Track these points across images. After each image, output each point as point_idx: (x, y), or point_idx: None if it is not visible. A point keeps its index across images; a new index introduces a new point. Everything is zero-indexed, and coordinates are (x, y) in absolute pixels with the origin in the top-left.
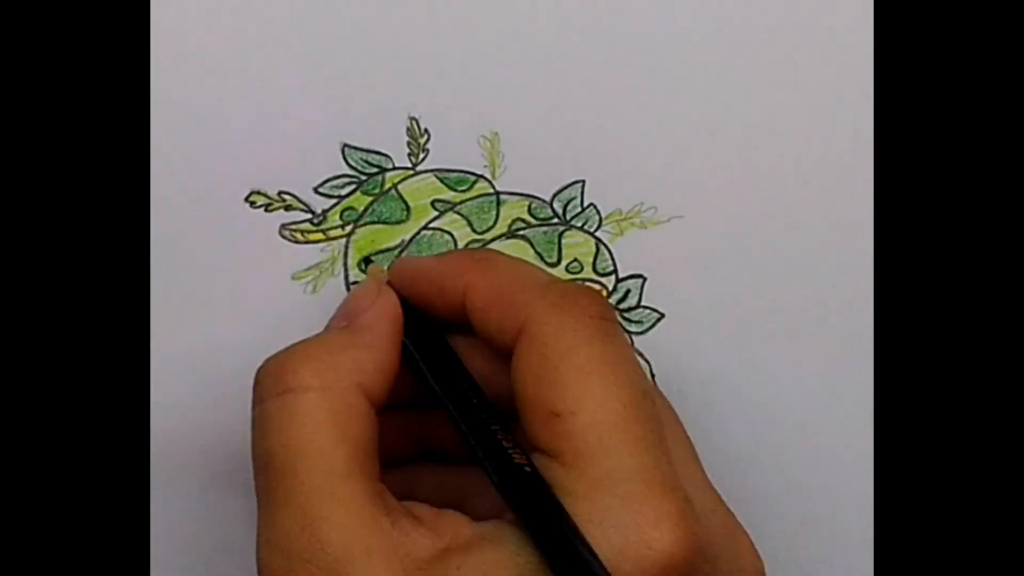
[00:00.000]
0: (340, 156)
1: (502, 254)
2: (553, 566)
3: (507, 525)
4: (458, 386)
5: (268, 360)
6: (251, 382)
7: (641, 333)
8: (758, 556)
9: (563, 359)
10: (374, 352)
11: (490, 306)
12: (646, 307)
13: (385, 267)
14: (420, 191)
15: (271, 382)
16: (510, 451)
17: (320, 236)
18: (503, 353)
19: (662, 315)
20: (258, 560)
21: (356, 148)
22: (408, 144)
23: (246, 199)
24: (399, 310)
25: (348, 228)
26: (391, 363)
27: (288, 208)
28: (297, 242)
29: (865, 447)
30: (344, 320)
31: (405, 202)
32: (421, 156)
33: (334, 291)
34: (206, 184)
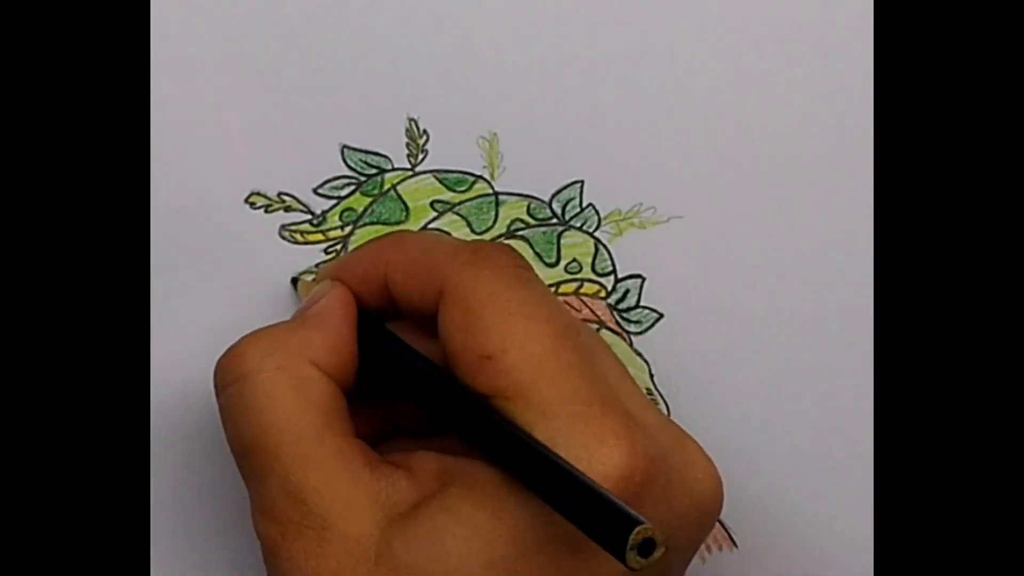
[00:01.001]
0: (339, 157)
1: (415, 232)
2: (533, 485)
3: (478, 460)
4: (406, 360)
5: (225, 352)
6: None
7: (640, 333)
8: (712, 463)
9: (484, 307)
10: (324, 331)
11: (408, 280)
12: (645, 307)
13: None
14: (419, 192)
15: (226, 371)
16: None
17: (320, 237)
18: (429, 324)
19: (661, 315)
20: (257, 533)
21: (355, 149)
22: (407, 145)
23: (246, 200)
24: (350, 297)
25: (348, 229)
26: (344, 343)
27: (288, 209)
28: (297, 243)
29: (865, 447)
30: (298, 312)
31: (404, 203)
32: (420, 157)
33: None
34: (206, 184)
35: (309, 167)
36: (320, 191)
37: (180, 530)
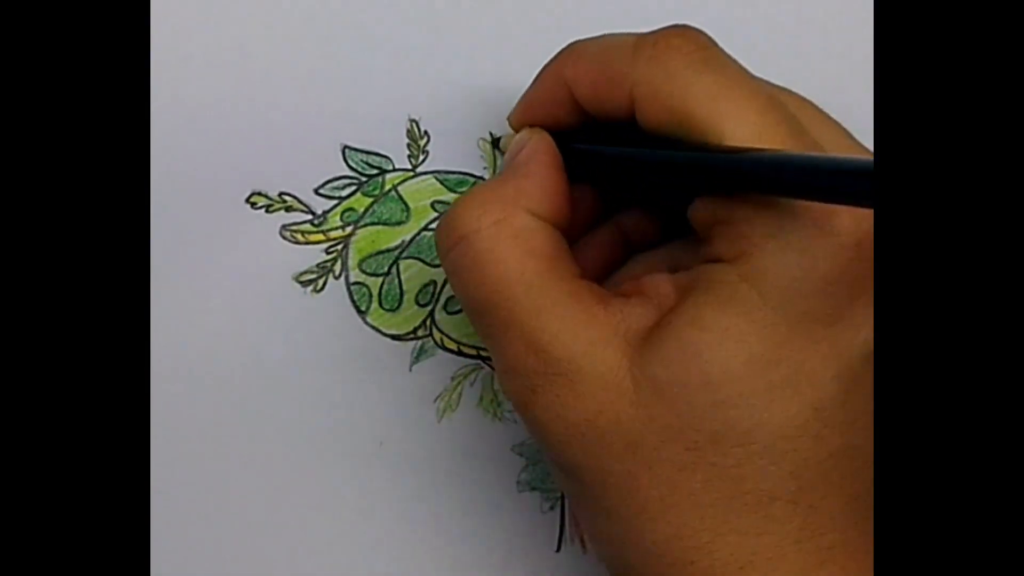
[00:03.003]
0: (340, 157)
1: (589, 40)
2: (771, 188)
3: (707, 265)
4: (616, 159)
5: (442, 217)
6: (251, 382)
7: None
8: None
9: (684, 101)
10: (534, 178)
11: (597, 92)
12: None
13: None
14: (420, 192)
15: (445, 235)
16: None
17: (320, 237)
18: (632, 128)
19: None
20: (503, 391)
21: (356, 149)
22: (408, 146)
23: (247, 200)
24: (554, 146)
25: (348, 229)
26: (555, 184)
27: (289, 209)
28: (297, 243)
29: None
30: (504, 164)
31: (405, 203)
32: (421, 158)
33: (335, 292)
34: (206, 185)
35: (310, 167)
36: (321, 191)
37: (180, 530)
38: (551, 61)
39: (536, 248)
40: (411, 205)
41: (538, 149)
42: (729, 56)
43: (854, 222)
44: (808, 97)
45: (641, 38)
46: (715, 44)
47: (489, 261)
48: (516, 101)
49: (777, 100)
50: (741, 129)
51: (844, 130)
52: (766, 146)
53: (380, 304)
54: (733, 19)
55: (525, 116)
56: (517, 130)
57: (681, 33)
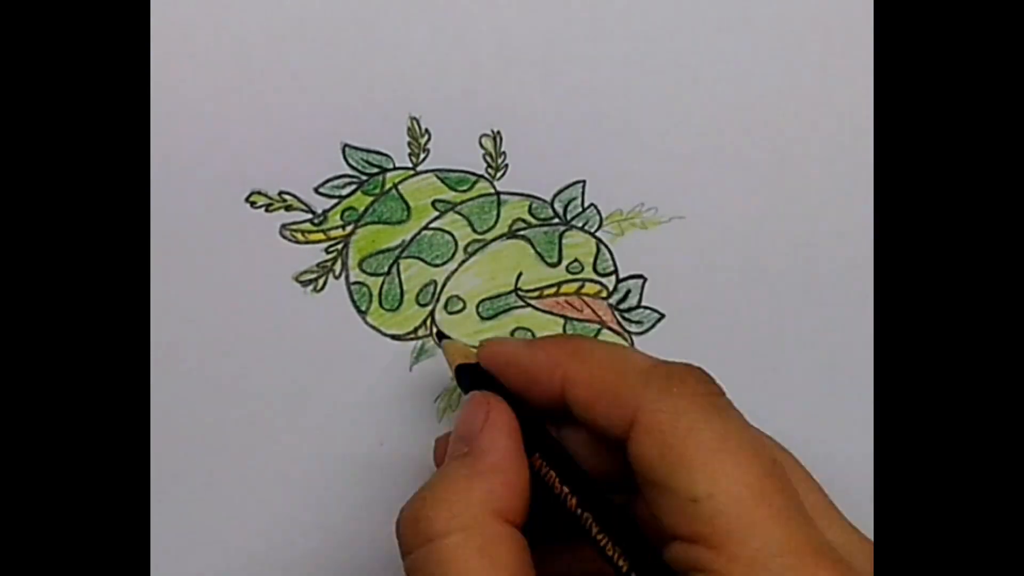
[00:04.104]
0: (341, 156)
1: (594, 341)
2: None
3: None
4: (586, 492)
5: (403, 510)
6: (251, 382)
7: (641, 333)
8: None
9: (686, 443)
10: (500, 474)
11: (595, 401)
12: (646, 307)
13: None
14: (421, 191)
15: (411, 533)
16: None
17: (321, 236)
18: (611, 443)
19: (662, 315)
20: None
21: (357, 148)
22: (409, 144)
23: (247, 199)
24: (514, 421)
25: (349, 228)
26: (520, 479)
27: (289, 208)
28: (298, 242)
29: (865, 447)
30: (463, 445)
31: (406, 202)
32: (422, 156)
33: (335, 291)
34: (206, 184)
35: (310, 166)
36: (321, 190)
37: (180, 530)
38: (552, 344)
39: (504, 561)
40: (412, 204)
41: (502, 432)
42: (732, 406)
43: None
44: (808, 97)
45: (655, 365)
46: (723, 392)
47: (454, 570)
48: (517, 99)
49: (778, 466)
50: (737, 488)
51: (827, 496)
52: (758, 513)
53: (380, 304)
54: (733, 19)
55: (504, 371)
56: (482, 361)
57: (694, 372)
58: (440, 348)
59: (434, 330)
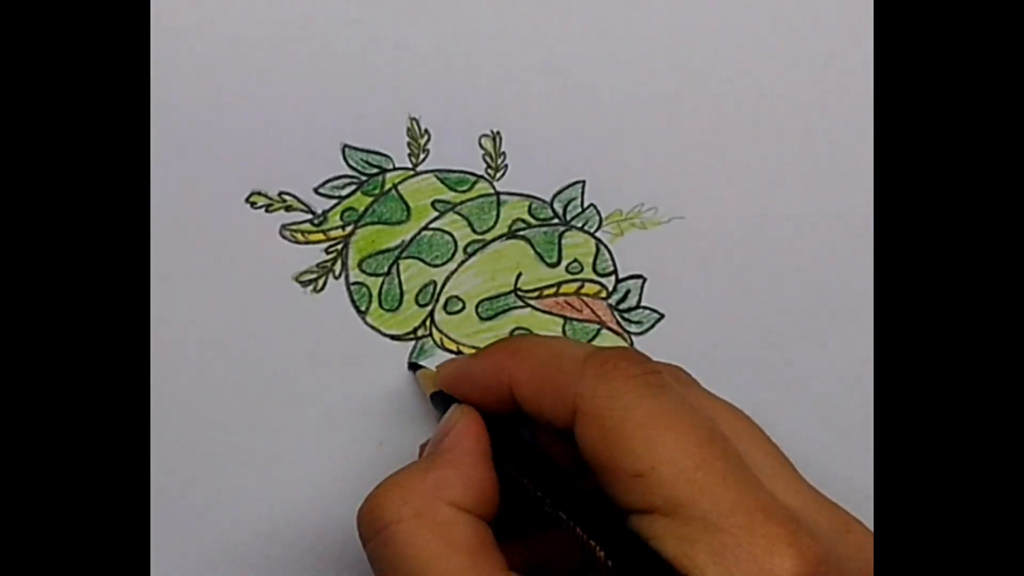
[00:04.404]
0: (340, 156)
1: (534, 338)
2: None
3: None
4: (558, 486)
5: (361, 504)
6: (251, 382)
7: (641, 333)
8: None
9: (624, 423)
10: (458, 468)
11: (538, 396)
12: (646, 307)
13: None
14: (420, 191)
15: (368, 522)
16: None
17: (320, 236)
18: (563, 432)
19: (662, 315)
20: None
21: (356, 148)
22: (408, 144)
23: (247, 200)
24: (480, 426)
25: (348, 228)
26: (480, 476)
27: (288, 208)
28: (297, 242)
29: (865, 447)
30: (430, 447)
31: (405, 202)
32: (421, 156)
33: (335, 291)
34: (206, 184)
35: (310, 166)
36: (321, 190)
37: (180, 530)
38: (495, 350)
39: (458, 541)
40: (411, 204)
41: (464, 435)
42: (670, 384)
43: (794, 564)
44: (808, 97)
45: (591, 354)
46: (658, 370)
47: (409, 555)
48: (516, 100)
49: (718, 433)
50: (679, 458)
51: (781, 456)
52: (702, 478)
53: (380, 304)
54: (733, 19)
55: (457, 384)
56: (440, 384)
57: (628, 355)
58: (415, 377)
59: (407, 361)
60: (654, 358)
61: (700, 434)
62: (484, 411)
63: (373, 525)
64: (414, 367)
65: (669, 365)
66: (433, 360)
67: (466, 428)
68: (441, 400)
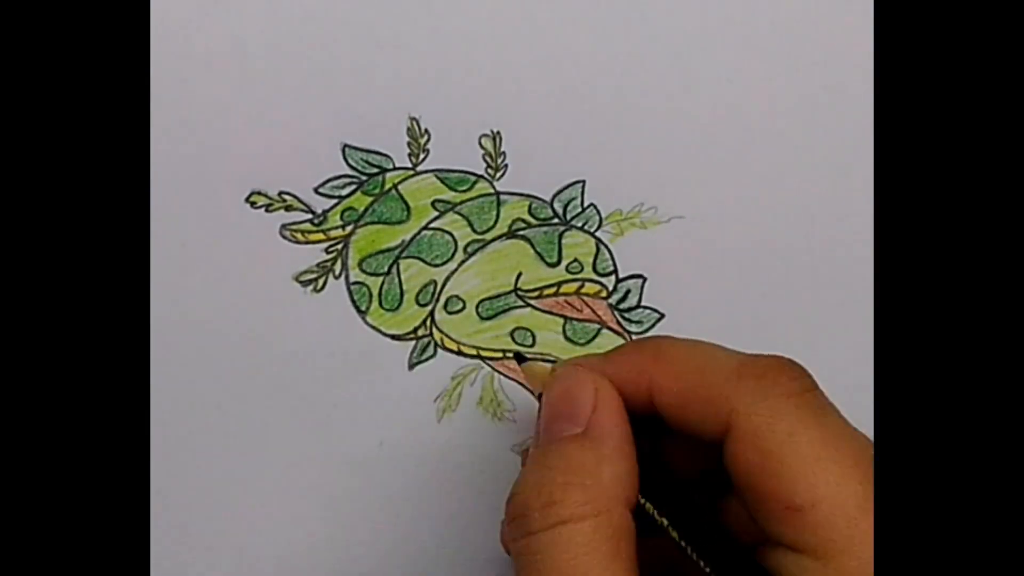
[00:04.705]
0: (340, 156)
1: (676, 341)
2: None
3: None
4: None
5: (524, 490)
6: (250, 382)
7: (641, 333)
8: None
9: (784, 448)
10: (625, 461)
11: (686, 406)
12: (646, 307)
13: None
14: (420, 191)
15: (541, 515)
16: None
17: (320, 236)
18: (705, 446)
19: (662, 315)
20: None
21: (356, 148)
22: (408, 144)
23: (247, 199)
24: (621, 402)
25: (348, 228)
26: (636, 466)
27: (288, 208)
28: (297, 242)
29: None
30: (571, 424)
31: (405, 202)
32: (421, 156)
33: (335, 291)
34: (206, 184)
35: (310, 166)
36: (321, 190)
37: (180, 530)
38: (632, 351)
39: (624, 552)
40: (411, 204)
41: (619, 416)
42: (829, 403)
43: None
44: (808, 97)
45: (745, 363)
46: (817, 385)
47: (582, 555)
48: (516, 100)
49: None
50: (842, 498)
51: None
52: (865, 523)
53: (380, 304)
54: (733, 19)
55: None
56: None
57: (787, 369)
58: (520, 369)
59: (514, 353)
60: None
61: (865, 471)
62: None
63: (547, 519)
64: (521, 358)
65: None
66: (435, 360)
67: (616, 405)
68: None
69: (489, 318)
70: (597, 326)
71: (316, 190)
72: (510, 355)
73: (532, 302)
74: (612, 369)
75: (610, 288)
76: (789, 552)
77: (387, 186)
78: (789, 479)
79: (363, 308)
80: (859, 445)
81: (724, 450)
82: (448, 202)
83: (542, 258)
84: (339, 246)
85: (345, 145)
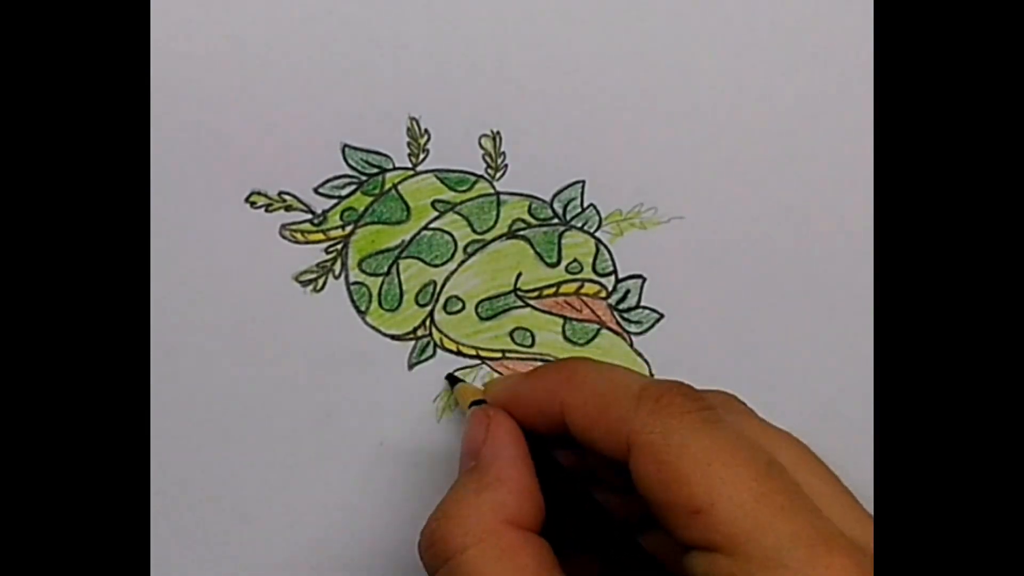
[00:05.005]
0: (340, 156)
1: (590, 363)
2: None
3: None
4: (590, 512)
5: (422, 532)
6: (250, 382)
7: (641, 333)
8: None
9: (680, 459)
10: (507, 483)
11: (591, 427)
12: (646, 307)
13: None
14: (420, 191)
15: (432, 555)
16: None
17: (320, 236)
18: (615, 463)
19: (662, 315)
20: None
21: (356, 148)
22: (408, 144)
23: (246, 199)
24: (515, 428)
25: (348, 228)
26: (527, 484)
27: (288, 208)
28: (297, 242)
29: (865, 447)
30: (469, 459)
31: (405, 202)
32: (421, 156)
33: (335, 291)
34: (206, 184)
35: (310, 166)
36: (321, 190)
37: (180, 530)
38: (548, 373)
39: (525, 563)
40: (411, 204)
41: (504, 442)
42: (724, 418)
43: None
44: (808, 97)
45: (644, 387)
46: (711, 406)
47: None
48: (516, 100)
49: (776, 465)
50: (737, 493)
51: (840, 484)
52: (761, 513)
53: (380, 304)
54: (733, 19)
55: (505, 401)
56: (489, 401)
57: (682, 390)
58: (452, 392)
59: (446, 374)
60: (654, 358)
61: (758, 467)
62: (533, 430)
63: (437, 557)
64: (453, 380)
65: (721, 393)
66: (434, 360)
67: (503, 433)
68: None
69: (489, 318)
70: (597, 326)
71: (316, 190)
72: (510, 355)
73: (532, 302)
74: (530, 388)
75: (610, 288)
76: (701, 553)
77: (387, 186)
78: (687, 485)
79: (363, 308)
80: (752, 449)
81: (630, 469)
82: (448, 202)
83: (542, 258)
84: (339, 246)
85: (345, 145)
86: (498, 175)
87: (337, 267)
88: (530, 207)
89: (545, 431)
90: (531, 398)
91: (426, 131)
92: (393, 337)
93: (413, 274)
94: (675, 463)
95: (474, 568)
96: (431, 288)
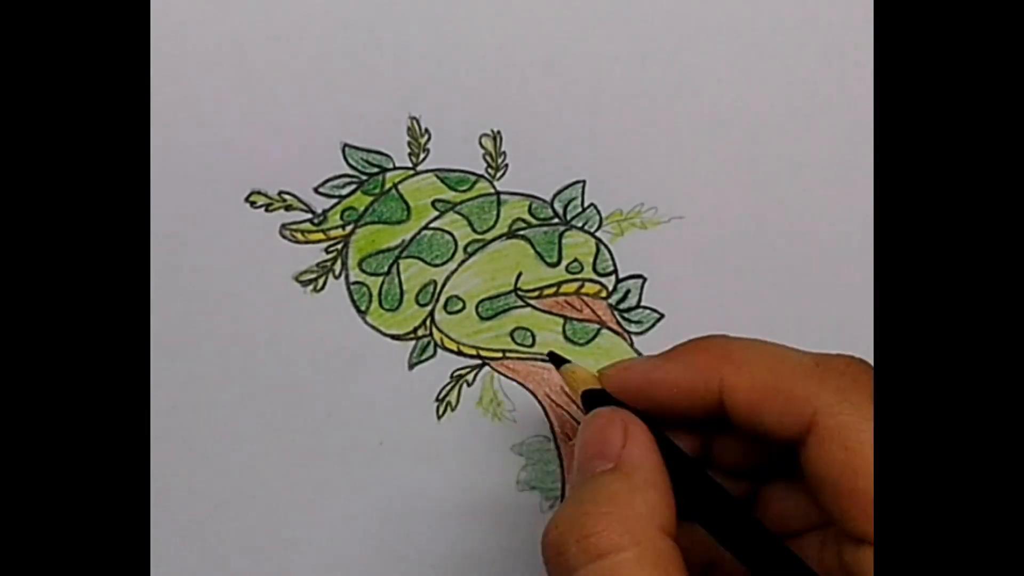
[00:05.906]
0: (341, 156)
1: (744, 341)
2: None
3: None
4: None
5: (558, 526)
6: (250, 382)
7: (641, 333)
8: None
9: (871, 446)
10: (657, 489)
11: (760, 406)
12: (646, 307)
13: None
14: (421, 191)
15: (579, 550)
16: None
17: (320, 236)
18: (776, 444)
19: (662, 315)
20: None
21: (357, 148)
22: (409, 144)
23: (246, 199)
24: (651, 436)
25: (348, 228)
26: (670, 493)
27: (288, 208)
28: (297, 242)
29: None
30: (606, 461)
31: (405, 202)
32: (422, 156)
33: (335, 291)
34: (206, 184)
35: (310, 166)
36: (321, 190)
37: (180, 530)
38: (697, 353)
39: (674, 573)
40: (411, 204)
41: (649, 448)
42: None
43: None
44: (808, 97)
45: (823, 362)
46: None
47: None
48: (517, 99)
49: None
50: None
51: None
52: None
53: (380, 304)
54: (733, 19)
55: (643, 393)
56: (610, 389)
57: (867, 368)
58: (559, 372)
59: (547, 352)
60: None
61: None
62: (657, 417)
63: (587, 553)
64: (557, 361)
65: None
66: (434, 360)
67: (646, 439)
68: (592, 401)
69: (489, 318)
70: (597, 326)
71: (316, 190)
72: (510, 355)
73: (532, 302)
74: (666, 374)
75: (610, 288)
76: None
77: (387, 186)
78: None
79: (363, 308)
80: None
81: (804, 450)
82: (448, 202)
83: (542, 258)
84: (339, 246)
85: (345, 145)
86: (498, 175)
87: (337, 267)
88: (530, 207)
89: (696, 415)
90: (680, 379)
91: (426, 131)
92: (393, 337)
93: (413, 274)
94: (868, 452)
95: (629, 571)
96: (431, 288)
